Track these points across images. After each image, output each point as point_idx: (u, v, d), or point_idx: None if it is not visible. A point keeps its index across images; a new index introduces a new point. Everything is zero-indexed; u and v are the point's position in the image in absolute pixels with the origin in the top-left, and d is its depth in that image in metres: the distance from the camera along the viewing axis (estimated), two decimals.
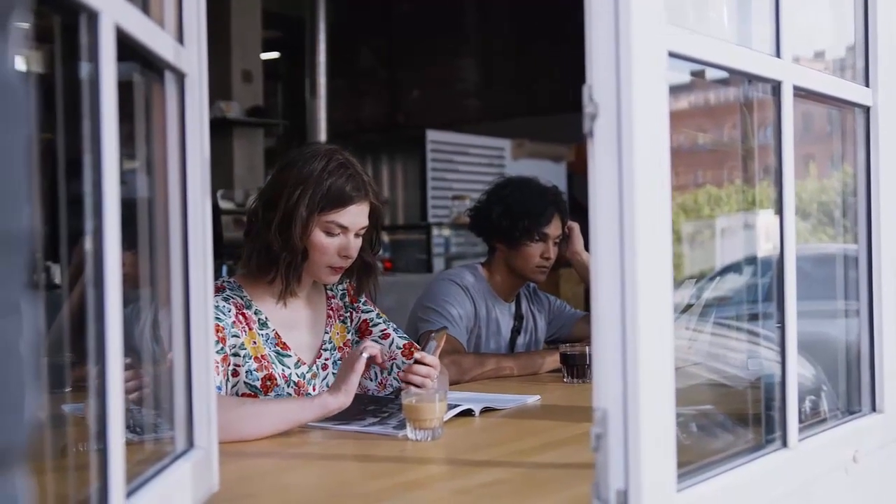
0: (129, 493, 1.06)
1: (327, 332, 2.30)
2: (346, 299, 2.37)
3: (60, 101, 1.02)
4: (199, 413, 1.35)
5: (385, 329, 2.34)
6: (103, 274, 0.97)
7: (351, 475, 1.65)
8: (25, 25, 0.61)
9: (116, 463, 0.98)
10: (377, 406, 2.14)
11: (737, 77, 1.55)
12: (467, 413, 2.08)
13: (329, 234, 2.14)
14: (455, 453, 1.79)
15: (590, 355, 2.60)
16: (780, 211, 1.49)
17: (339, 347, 2.31)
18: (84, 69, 0.96)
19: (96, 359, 0.97)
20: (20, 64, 0.59)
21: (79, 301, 1.05)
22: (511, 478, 1.59)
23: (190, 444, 1.34)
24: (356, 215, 2.16)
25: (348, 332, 2.35)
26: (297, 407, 1.94)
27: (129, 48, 1.08)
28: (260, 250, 2.16)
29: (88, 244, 0.96)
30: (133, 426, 1.30)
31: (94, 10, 0.94)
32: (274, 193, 2.15)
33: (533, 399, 2.32)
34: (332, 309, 2.33)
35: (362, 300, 2.37)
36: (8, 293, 0.52)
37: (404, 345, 2.32)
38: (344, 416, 2.00)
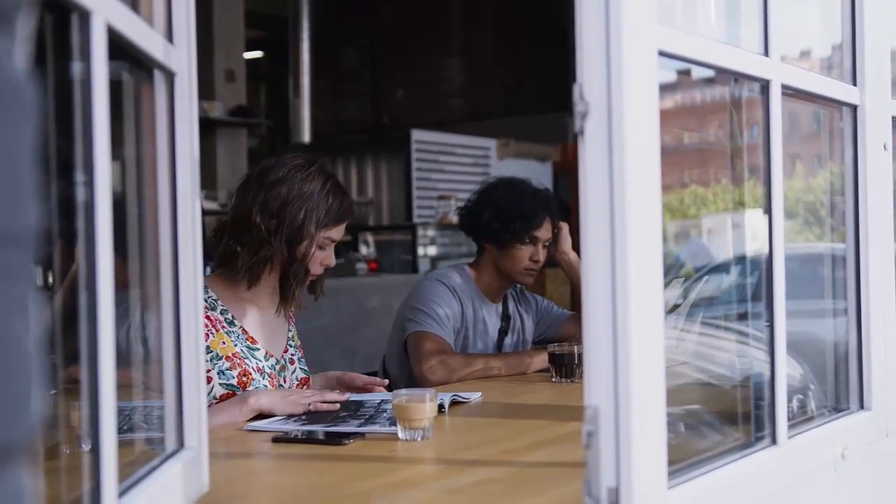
0: (121, 494, 1.05)
1: (290, 330, 2.40)
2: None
3: (50, 100, 1.01)
4: (190, 414, 1.34)
5: (299, 354, 2.43)
6: (95, 275, 0.96)
7: (341, 475, 1.64)
8: (31, 24, 0.61)
9: (109, 463, 0.98)
10: (357, 407, 2.14)
11: (723, 76, 1.56)
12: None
13: (321, 248, 2.24)
14: (445, 453, 1.79)
15: (578, 355, 2.61)
16: (768, 210, 1.49)
17: (299, 347, 2.41)
18: (75, 68, 0.95)
19: (88, 360, 0.96)
20: (25, 62, 0.59)
21: (66, 301, 1.04)
22: (502, 476, 1.59)
23: (180, 444, 1.33)
24: (343, 230, 2.29)
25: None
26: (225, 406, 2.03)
27: (118, 46, 1.07)
28: (264, 261, 2.21)
29: (80, 246, 0.95)
30: (121, 426, 1.29)
31: (86, 10, 0.93)
32: (277, 208, 2.18)
33: (475, 396, 2.32)
34: (291, 311, 2.41)
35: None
36: (15, 290, 0.52)
37: (301, 378, 2.38)
38: (333, 420, 1.99)
